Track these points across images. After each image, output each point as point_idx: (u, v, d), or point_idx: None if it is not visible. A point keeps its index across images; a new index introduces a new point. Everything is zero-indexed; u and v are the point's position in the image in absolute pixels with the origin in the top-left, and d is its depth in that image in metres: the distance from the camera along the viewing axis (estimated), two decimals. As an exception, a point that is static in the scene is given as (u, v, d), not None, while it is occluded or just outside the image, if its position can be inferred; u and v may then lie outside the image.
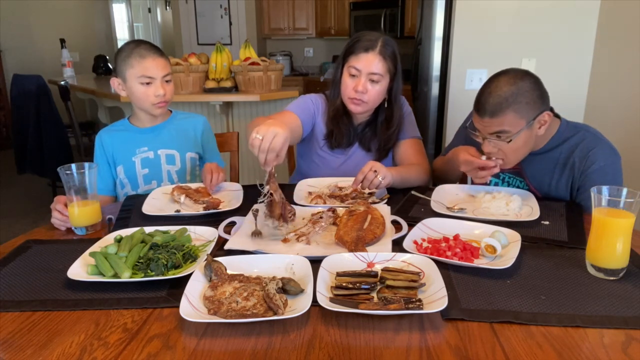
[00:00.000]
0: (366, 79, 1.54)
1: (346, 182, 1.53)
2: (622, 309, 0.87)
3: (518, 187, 1.52)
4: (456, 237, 1.13)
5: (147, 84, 1.57)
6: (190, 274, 0.96)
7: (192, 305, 0.87)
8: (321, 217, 1.25)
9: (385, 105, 1.65)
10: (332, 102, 1.67)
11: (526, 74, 1.32)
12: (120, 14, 7.63)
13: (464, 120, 1.72)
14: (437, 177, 1.74)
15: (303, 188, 1.55)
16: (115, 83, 1.61)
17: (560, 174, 1.43)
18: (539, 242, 1.15)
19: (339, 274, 0.95)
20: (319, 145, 1.72)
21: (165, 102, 1.62)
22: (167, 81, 1.60)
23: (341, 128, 1.67)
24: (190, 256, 1.06)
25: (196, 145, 1.76)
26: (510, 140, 1.32)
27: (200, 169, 1.80)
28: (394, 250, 1.07)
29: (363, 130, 1.70)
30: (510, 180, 1.55)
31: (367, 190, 1.46)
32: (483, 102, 1.32)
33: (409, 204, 1.41)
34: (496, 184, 1.58)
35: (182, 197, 1.42)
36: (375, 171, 1.39)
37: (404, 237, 1.13)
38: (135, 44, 1.58)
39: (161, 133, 1.69)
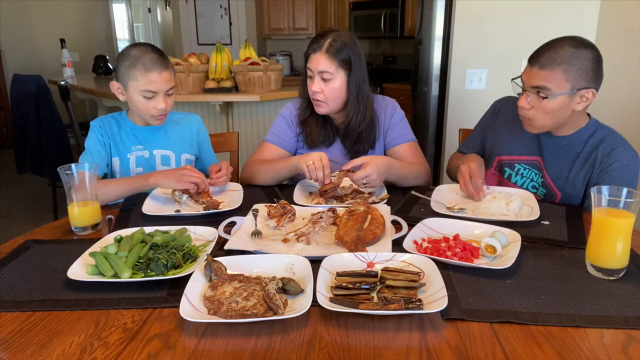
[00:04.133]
0: (319, 78, 1.57)
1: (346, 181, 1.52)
2: (622, 309, 0.87)
3: (532, 179, 1.52)
4: (456, 237, 1.13)
5: (150, 97, 1.53)
6: (190, 274, 0.96)
7: (192, 305, 0.87)
8: (321, 217, 1.25)
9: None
10: (301, 105, 1.70)
11: (591, 47, 1.32)
12: (120, 14, 7.64)
13: (479, 120, 1.74)
14: (451, 174, 1.76)
15: (303, 188, 1.55)
16: (114, 87, 1.56)
17: (580, 167, 1.43)
18: (539, 242, 1.16)
19: (339, 274, 0.95)
20: (298, 146, 1.74)
21: (165, 114, 1.60)
22: (169, 94, 1.56)
23: (312, 128, 1.68)
24: (190, 256, 1.06)
25: (192, 146, 1.75)
26: (547, 97, 1.32)
27: None
28: (394, 250, 1.07)
29: (345, 130, 1.68)
30: (525, 172, 1.54)
31: (366, 190, 1.47)
32: (538, 53, 1.34)
33: (409, 204, 1.41)
34: (510, 175, 1.57)
35: (183, 197, 1.42)
36: (366, 184, 1.42)
37: (404, 237, 1.13)
38: (141, 51, 1.51)
39: (157, 133, 1.67)
